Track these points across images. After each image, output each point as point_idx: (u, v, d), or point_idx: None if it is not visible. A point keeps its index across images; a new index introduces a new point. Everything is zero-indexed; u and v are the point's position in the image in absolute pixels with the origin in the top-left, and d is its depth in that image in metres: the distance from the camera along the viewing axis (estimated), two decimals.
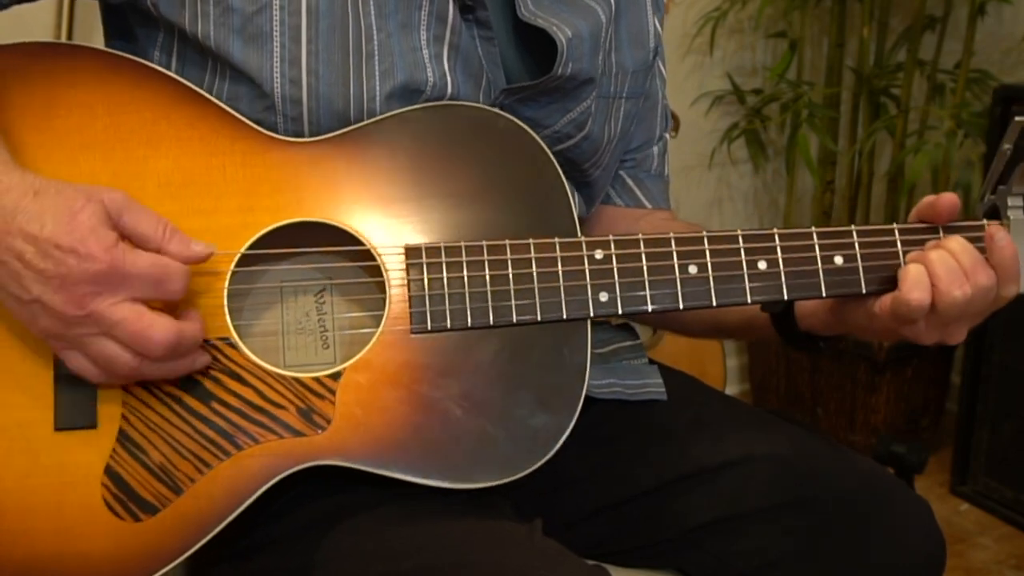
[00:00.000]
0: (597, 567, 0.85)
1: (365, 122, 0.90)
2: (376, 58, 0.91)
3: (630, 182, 1.17)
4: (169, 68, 0.93)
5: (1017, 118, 0.90)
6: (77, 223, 0.75)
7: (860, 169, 2.64)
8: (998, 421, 2.29)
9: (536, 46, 0.98)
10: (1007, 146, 0.91)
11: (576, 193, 1.08)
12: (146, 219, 0.80)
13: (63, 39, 1.89)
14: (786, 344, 1.02)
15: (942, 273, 0.87)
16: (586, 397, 1.05)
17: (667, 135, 1.20)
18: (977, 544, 2.25)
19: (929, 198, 0.92)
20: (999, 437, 2.30)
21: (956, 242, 0.89)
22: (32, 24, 1.83)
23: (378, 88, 0.91)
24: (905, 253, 0.91)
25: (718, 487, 1.02)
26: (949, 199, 0.91)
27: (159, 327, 0.77)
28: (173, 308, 0.81)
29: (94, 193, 0.78)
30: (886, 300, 0.89)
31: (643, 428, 1.08)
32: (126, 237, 0.78)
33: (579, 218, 1.08)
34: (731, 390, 2.81)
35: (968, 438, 2.36)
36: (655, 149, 1.18)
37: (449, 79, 0.93)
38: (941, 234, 0.91)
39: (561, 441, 0.87)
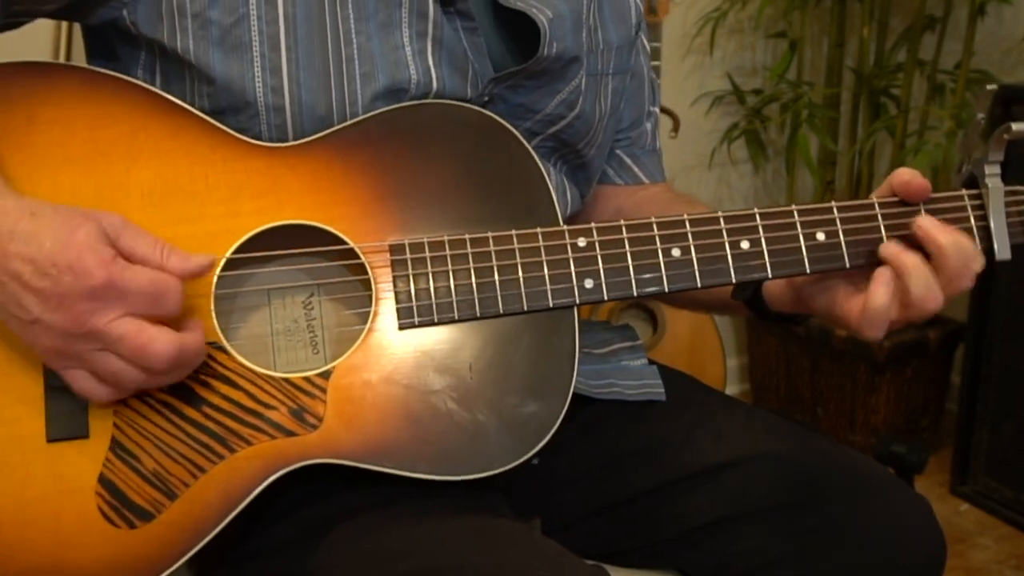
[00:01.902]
0: (596, 567, 0.85)
1: (344, 124, 0.90)
2: (356, 61, 0.91)
3: (628, 160, 1.18)
4: (152, 85, 0.93)
5: (988, 86, 0.91)
6: (74, 241, 0.75)
7: (860, 169, 2.64)
8: (998, 421, 2.29)
9: (519, 30, 0.98)
10: (980, 116, 0.92)
11: (571, 183, 1.09)
12: (144, 239, 0.80)
13: (62, 56, 1.90)
14: (762, 320, 1.03)
15: (917, 289, 0.88)
16: (585, 397, 1.06)
17: (655, 109, 1.21)
18: (977, 544, 2.25)
19: (904, 176, 0.92)
20: (999, 437, 2.30)
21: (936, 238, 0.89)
22: (32, 43, 1.83)
23: (359, 91, 0.91)
24: (887, 228, 0.91)
25: (718, 487, 1.02)
26: (922, 185, 0.92)
27: (161, 341, 0.77)
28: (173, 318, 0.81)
29: (91, 214, 0.78)
30: (855, 307, 0.90)
31: (642, 428, 1.08)
32: (123, 256, 0.78)
33: (580, 203, 1.10)
34: (731, 390, 2.81)
35: (968, 438, 2.36)
36: (647, 125, 1.19)
37: (434, 74, 0.94)
38: (920, 207, 0.92)
39: (554, 428, 0.87)
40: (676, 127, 2.43)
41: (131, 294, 0.76)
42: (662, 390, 1.11)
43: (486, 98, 0.98)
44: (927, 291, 0.88)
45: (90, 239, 0.76)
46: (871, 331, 0.90)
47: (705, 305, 1.14)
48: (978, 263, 0.90)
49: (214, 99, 0.91)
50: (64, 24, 1.91)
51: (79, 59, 0.92)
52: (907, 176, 0.92)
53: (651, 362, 1.15)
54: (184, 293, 0.80)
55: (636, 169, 1.18)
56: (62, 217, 0.76)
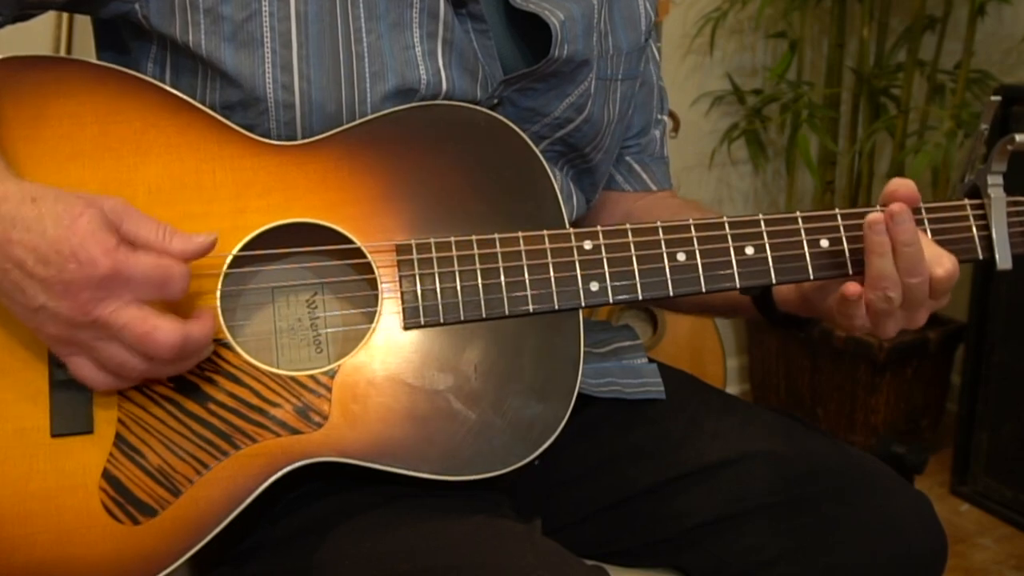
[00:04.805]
0: (596, 567, 0.85)
1: (352, 123, 0.91)
2: (366, 60, 0.92)
3: (637, 167, 1.18)
4: (163, 78, 0.93)
5: (992, 97, 0.92)
6: (77, 228, 0.75)
7: (860, 169, 2.64)
8: (998, 421, 2.29)
9: (530, 33, 0.99)
10: (984, 126, 0.93)
11: (577, 188, 1.09)
12: (146, 224, 0.79)
13: (62, 51, 1.90)
14: (770, 324, 1.03)
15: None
16: (585, 396, 1.06)
17: (664, 117, 1.21)
18: (977, 544, 2.25)
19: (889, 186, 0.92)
20: (999, 437, 2.30)
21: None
22: (32, 37, 1.83)
23: (369, 90, 0.91)
24: None
25: (717, 485, 1.02)
26: (899, 185, 0.91)
27: (164, 330, 0.77)
28: (180, 308, 0.81)
29: (93, 200, 0.77)
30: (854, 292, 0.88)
31: (642, 427, 1.08)
32: (126, 242, 0.78)
33: (585, 208, 1.11)
34: (731, 390, 2.81)
35: (968, 438, 2.36)
36: (655, 132, 1.19)
37: (444, 76, 0.94)
38: (923, 215, 0.92)
39: (558, 430, 0.87)
40: (676, 127, 2.44)
41: (136, 281, 0.76)
42: (662, 388, 1.11)
43: (495, 100, 0.98)
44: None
45: (92, 226, 0.75)
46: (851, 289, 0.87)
47: (711, 307, 1.13)
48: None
49: (224, 94, 0.91)
50: (64, 20, 1.91)
51: (79, 55, 0.92)
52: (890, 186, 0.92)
53: (651, 361, 1.15)
54: (189, 276, 0.79)
55: (645, 176, 1.18)
56: (64, 203, 0.76)
